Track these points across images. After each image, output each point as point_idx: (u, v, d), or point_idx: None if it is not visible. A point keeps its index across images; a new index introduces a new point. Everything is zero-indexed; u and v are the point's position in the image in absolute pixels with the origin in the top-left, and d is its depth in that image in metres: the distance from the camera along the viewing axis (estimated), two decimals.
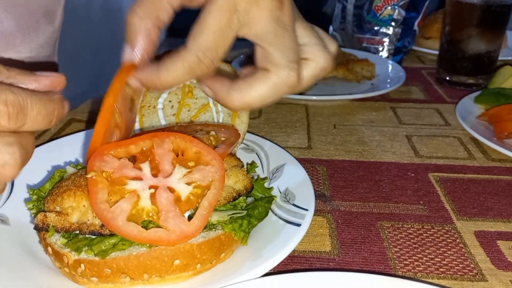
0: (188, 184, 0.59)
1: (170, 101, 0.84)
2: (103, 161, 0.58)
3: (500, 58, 1.32)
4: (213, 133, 0.69)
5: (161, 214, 0.56)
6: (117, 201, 0.56)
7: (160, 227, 0.55)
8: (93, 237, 0.58)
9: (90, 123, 1.06)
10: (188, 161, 0.61)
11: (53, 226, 0.57)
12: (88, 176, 0.57)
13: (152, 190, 0.57)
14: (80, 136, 0.90)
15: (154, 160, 0.60)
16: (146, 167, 0.59)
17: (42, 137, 0.98)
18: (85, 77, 3.69)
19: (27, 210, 0.66)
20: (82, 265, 0.56)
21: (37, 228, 0.58)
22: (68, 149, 0.85)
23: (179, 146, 0.61)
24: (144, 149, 0.61)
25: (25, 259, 0.61)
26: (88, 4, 3.78)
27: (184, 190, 0.58)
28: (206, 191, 0.59)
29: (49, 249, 0.59)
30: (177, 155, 0.61)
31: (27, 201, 0.66)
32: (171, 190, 0.58)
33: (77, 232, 0.57)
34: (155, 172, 0.59)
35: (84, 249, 0.57)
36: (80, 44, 3.34)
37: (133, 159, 0.61)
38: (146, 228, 0.55)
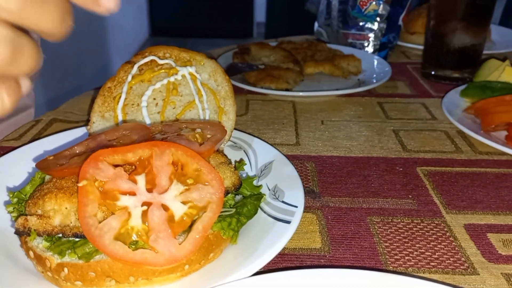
0: (184, 203, 0.56)
1: (154, 99, 0.82)
2: (97, 168, 0.55)
3: (484, 52, 1.33)
4: (199, 130, 0.67)
5: (152, 233, 0.53)
6: (106, 217, 0.53)
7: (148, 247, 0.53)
8: (77, 239, 0.56)
9: (71, 123, 1.04)
10: (187, 177, 0.58)
11: (34, 230, 0.55)
12: (80, 184, 0.54)
13: (145, 207, 0.54)
14: (62, 136, 0.88)
15: (151, 171, 0.56)
16: (141, 180, 0.56)
17: (23, 138, 0.96)
18: (67, 78, 3.64)
19: (7, 213, 0.64)
20: (66, 269, 0.54)
21: (18, 233, 0.56)
22: (50, 150, 0.83)
23: (180, 159, 0.58)
24: (142, 158, 0.57)
25: (5, 264, 0.59)
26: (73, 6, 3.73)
27: (178, 210, 0.55)
28: (202, 212, 0.56)
29: (31, 253, 0.57)
30: (176, 169, 0.58)
31: (7, 204, 0.64)
32: (165, 208, 0.55)
33: (60, 235, 0.56)
34: (151, 186, 0.56)
35: (68, 252, 0.55)
36: (62, 45, 3.29)
37: (130, 166, 0.58)
38: (134, 246, 0.53)
